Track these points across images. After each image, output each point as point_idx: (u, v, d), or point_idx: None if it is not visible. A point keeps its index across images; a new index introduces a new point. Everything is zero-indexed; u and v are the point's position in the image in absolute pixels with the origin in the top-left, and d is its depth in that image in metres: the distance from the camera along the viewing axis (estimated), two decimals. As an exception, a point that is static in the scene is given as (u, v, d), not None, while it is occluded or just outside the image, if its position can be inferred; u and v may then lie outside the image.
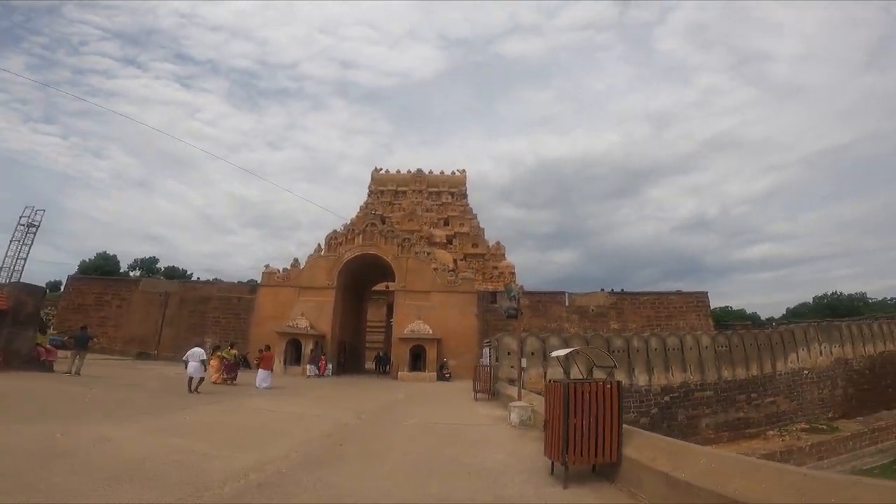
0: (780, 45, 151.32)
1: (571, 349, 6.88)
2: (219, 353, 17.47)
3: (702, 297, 33.63)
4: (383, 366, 31.31)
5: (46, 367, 15.17)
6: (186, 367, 13.38)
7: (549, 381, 6.37)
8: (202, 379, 13.56)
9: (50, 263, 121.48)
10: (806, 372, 26.66)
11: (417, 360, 26.68)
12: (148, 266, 67.01)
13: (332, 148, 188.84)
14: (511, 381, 17.89)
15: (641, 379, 21.10)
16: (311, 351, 25.41)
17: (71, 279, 36.84)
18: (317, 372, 23.72)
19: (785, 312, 75.47)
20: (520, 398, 10.78)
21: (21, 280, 22.72)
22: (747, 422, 24.11)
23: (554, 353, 7.12)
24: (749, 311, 76.05)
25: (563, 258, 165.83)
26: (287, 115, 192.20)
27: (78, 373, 14.76)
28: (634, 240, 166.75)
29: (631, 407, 20.00)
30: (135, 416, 8.50)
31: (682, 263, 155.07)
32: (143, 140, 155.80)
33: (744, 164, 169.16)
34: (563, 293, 31.61)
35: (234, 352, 18.72)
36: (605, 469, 5.93)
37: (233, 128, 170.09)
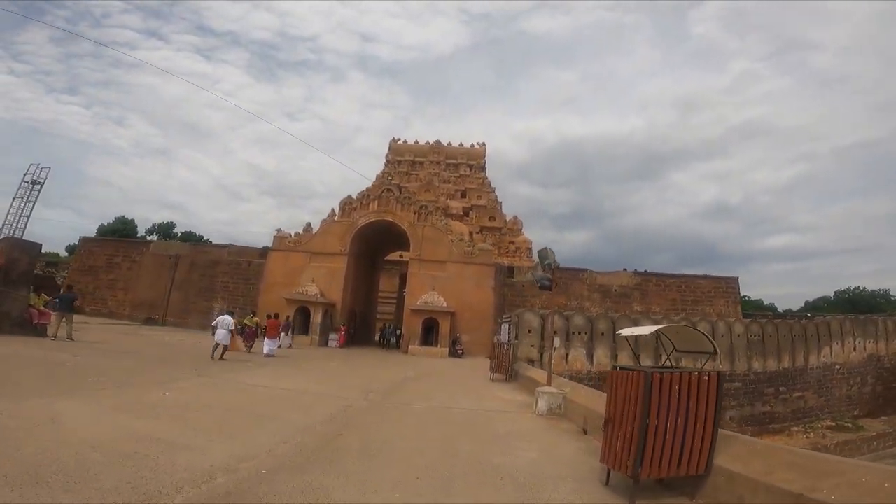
0: (826, 34, 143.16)
1: (657, 327, 5.40)
2: (237, 320, 17.00)
3: (731, 283, 31.86)
4: (388, 339, 28.78)
5: (39, 331, 14.27)
6: (214, 335, 13.72)
7: (615, 367, 4.96)
8: (226, 347, 13.81)
9: (71, 228, 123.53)
10: (837, 367, 25.12)
11: (429, 333, 25.61)
12: (165, 231, 67.00)
13: (350, 121, 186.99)
14: (531, 362, 16.64)
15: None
16: (287, 318, 22.58)
17: (83, 240, 36.41)
18: (290, 343, 20.95)
19: (804, 305, 73.70)
20: (549, 383, 9.48)
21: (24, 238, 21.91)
22: (772, 416, 22.81)
23: (629, 332, 5.72)
24: (766, 301, 74.04)
25: (578, 238, 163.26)
26: (306, 86, 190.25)
27: (70, 338, 13.86)
28: (652, 223, 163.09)
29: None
30: (108, 390, 7.40)
31: (700, 250, 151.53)
32: (164, 110, 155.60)
33: (773, 153, 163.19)
34: (585, 270, 30.03)
35: (255, 319, 18.35)
36: (679, 481, 4.58)
37: (252, 98, 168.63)
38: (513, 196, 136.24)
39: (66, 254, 57.24)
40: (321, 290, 25.49)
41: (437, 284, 25.91)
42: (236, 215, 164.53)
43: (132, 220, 66.96)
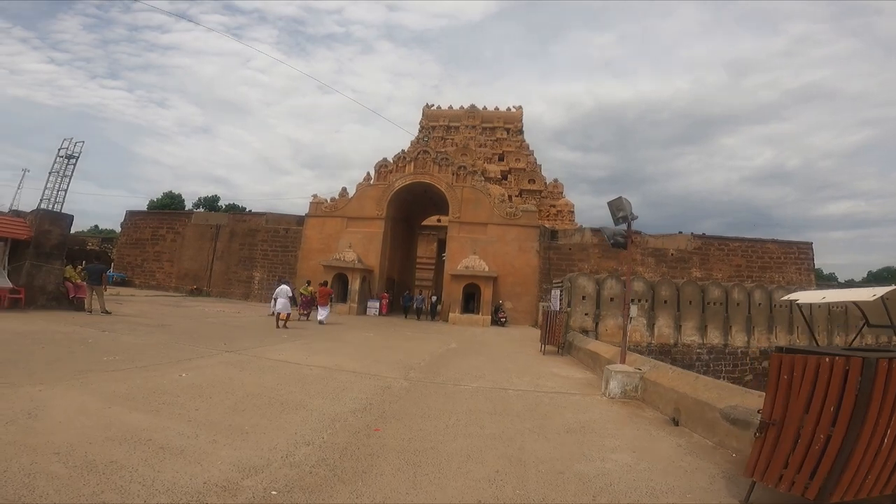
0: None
1: (886, 289, 3.76)
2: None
3: (804, 249, 28.83)
4: (418, 308, 25.24)
5: (76, 304, 13.99)
6: (275, 304, 14.76)
7: (780, 349, 3.43)
8: (289, 315, 14.79)
9: (125, 206, 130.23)
10: (925, 348, 22.27)
11: (469, 300, 24.47)
12: (210, 204, 68.73)
13: (381, 90, 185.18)
14: (585, 332, 15.17)
15: (738, 339, 17.82)
16: (277, 280, 20.69)
17: (129, 214, 37.03)
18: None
19: (866, 276, 69.33)
20: (623, 361, 8.02)
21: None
22: (846, 398, 20.76)
23: (808, 298, 4.25)
24: (826, 271, 68.88)
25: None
26: (336, 59, 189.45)
27: (106, 311, 13.49)
28: (698, 188, 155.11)
29: (722, 371, 17.08)
30: (119, 372, 6.56)
31: (751, 216, 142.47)
32: (202, 89, 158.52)
33: (834, 117, 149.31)
34: (638, 233, 27.70)
35: (310, 289, 18.74)
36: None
37: (284, 74, 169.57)
38: (549, 161, 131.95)
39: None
40: (358, 255, 24.65)
41: (477, 248, 24.54)
42: (278, 187, 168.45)
43: (179, 195, 69.21)
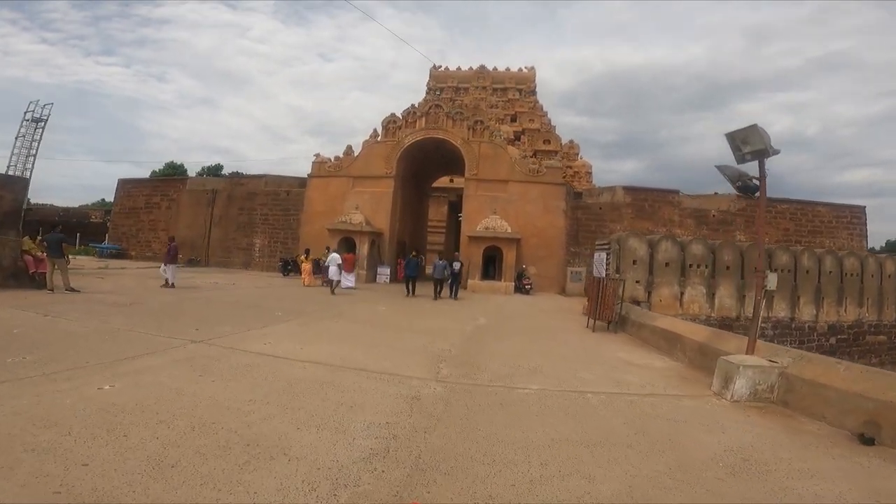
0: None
1: None
2: (312, 258, 18.86)
3: (857, 213, 26.41)
4: (418, 275, 18.48)
5: (38, 281, 11.76)
6: (328, 273, 15.86)
7: None
8: (339, 282, 15.80)
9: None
10: None
11: (489, 265, 22.21)
12: (213, 173, 66.58)
13: (384, 57, 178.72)
14: (636, 302, 12.86)
15: (806, 312, 15.47)
16: (171, 240, 15.67)
17: (121, 182, 34.65)
18: (172, 281, 14.07)
19: (885, 245, 68.50)
20: (752, 351, 5.67)
21: (30, 180, 19.11)
22: (912, 374, 18.68)
23: None
24: None
25: (627, 168, 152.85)
26: (336, 27, 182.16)
27: (70, 288, 11.31)
28: (712, 154, 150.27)
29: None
30: (12, 382, 4.34)
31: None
32: (201, 62, 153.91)
33: (859, 86, 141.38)
34: (675, 192, 25.07)
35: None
36: None
37: (283, 42, 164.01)
38: (557, 125, 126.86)
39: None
40: (366, 217, 22.28)
41: (497, 207, 22.10)
42: (282, 155, 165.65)
43: (181, 165, 67.28)
